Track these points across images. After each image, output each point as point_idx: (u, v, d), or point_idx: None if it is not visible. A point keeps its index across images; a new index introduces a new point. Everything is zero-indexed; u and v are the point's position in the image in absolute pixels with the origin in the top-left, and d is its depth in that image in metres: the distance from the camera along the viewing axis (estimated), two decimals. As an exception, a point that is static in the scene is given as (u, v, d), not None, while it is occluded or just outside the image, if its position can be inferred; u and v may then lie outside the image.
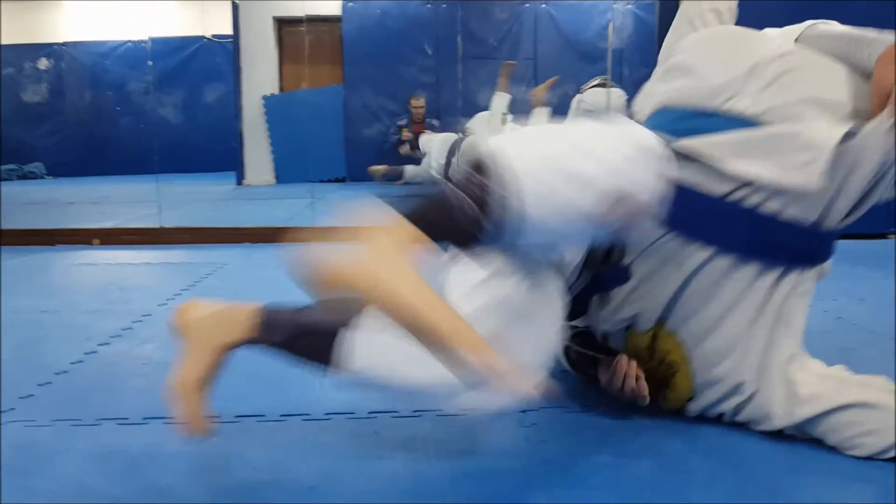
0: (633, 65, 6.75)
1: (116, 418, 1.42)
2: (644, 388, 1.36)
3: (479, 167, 0.97)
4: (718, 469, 1.22)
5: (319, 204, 4.69)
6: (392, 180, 6.35)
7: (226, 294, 2.65)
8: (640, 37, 7.00)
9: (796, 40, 1.32)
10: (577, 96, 5.72)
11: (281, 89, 8.19)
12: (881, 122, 1.13)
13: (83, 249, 3.79)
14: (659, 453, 1.28)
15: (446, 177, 1.00)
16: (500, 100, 5.78)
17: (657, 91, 1.36)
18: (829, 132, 1.14)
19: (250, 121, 7.93)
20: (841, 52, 1.24)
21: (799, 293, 1.30)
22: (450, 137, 5.97)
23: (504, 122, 5.86)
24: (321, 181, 7.67)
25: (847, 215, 1.23)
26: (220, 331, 1.17)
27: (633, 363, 1.36)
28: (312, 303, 1.17)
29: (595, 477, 1.19)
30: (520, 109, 6.35)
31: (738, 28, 1.40)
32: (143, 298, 2.56)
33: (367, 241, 0.95)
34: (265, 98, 7.98)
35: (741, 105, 1.23)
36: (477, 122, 5.91)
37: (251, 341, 1.17)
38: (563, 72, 7.36)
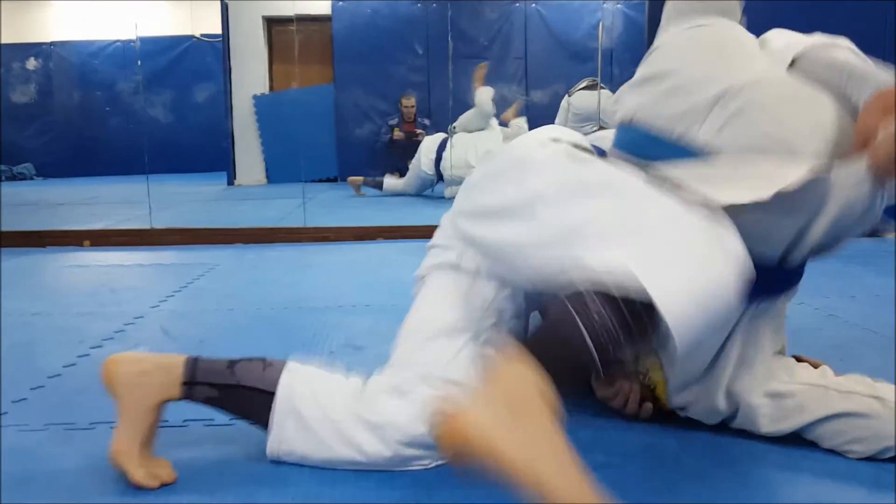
0: (624, 64, 6.77)
1: (110, 422, 1.41)
2: (647, 410, 1.38)
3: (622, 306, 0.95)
4: (712, 468, 1.23)
5: (311, 204, 4.69)
6: (375, 187, 6.35)
7: (218, 296, 2.66)
8: (629, 36, 7.02)
9: (793, 61, 1.22)
10: (566, 98, 5.74)
11: (271, 89, 8.18)
12: (855, 167, 1.09)
13: (74, 251, 3.78)
14: (652, 452, 1.29)
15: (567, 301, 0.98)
16: (485, 94, 5.81)
17: (629, 102, 1.31)
18: (787, 174, 1.08)
19: (241, 120, 7.92)
20: (833, 83, 1.17)
21: (769, 316, 1.31)
22: (438, 137, 6.01)
23: (491, 111, 5.87)
24: (313, 181, 7.68)
25: (817, 251, 1.23)
26: (151, 391, 1.19)
27: (636, 388, 1.38)
28: (241, 359, 1.24)
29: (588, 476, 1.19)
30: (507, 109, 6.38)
31: (730, 35, 1.30)
32: (134, 300, 2.56)
33: (506, 403, 0.90)
34: (255, 98, 7.96)
35: (702, 137, 1.18)
36: (464, 121, 5.91)
37: (183, 398, 1.21)
38: (554, 71, 7.39)
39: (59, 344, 2.00)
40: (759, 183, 1.07)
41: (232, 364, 1.22)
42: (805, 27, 1.33)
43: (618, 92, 1.35)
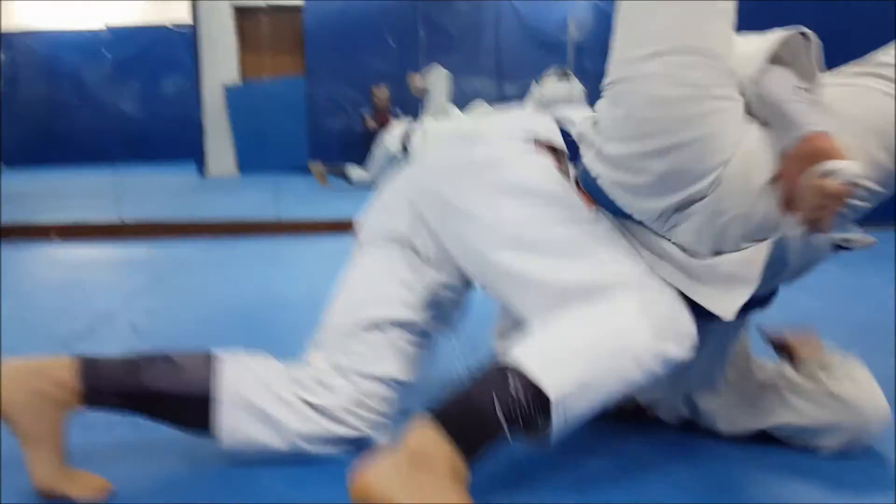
0: (594, 56, 6.80)
1: (80, 424, 1.40)
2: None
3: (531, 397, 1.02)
4: (675, 466, 1.26)
5: (283, 195, 4.66)
6: (338, 175, 6.37)
7: (189, 292, 2.64)
8: (601, 28, 7.05)
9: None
10: (536, 88, 5.76)
11: (242, 78, 8.11)
12: (791, 231, 1.06)
13: (42, 245, 3.73)
14: (618, 451, 1.31)
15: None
16: (439, 77, 5.88)
17: (595, 165, 1.16)
18: (747, 269, 1.09)
19: (212, 111, 7.85)
20: (769, 120, 1.08)
21: (736, 332, 1.34)
22: (407, 122, 6.10)
23: (445, 72, 5.92)
24: (285, 171, 7.63)
25: (783, 283, 1.25)
26: (49, 411, 1.12)
27: None
28: (142, 359, 1.19)
29: (555, 475, 1.22)
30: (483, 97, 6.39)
31: (708, 99, 1.07)
32: (104, 297, 2.54)
33: (418, 476, 0.97)
34: (227, 88, 7.89)
35: (659, 229, 1.15)
36: (432, 105, 5.95)
37: (86, 407, 1.16)
38: (526, 63, 7.40)
39: (26, 343, 1.98)
40: (721, 290, 1.12)
41: (134, 368, 1.17)
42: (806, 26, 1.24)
43: (581, 130, 1.22)
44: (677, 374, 1.30)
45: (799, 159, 1.01)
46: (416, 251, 1.29)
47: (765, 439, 1.32)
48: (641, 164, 1.09)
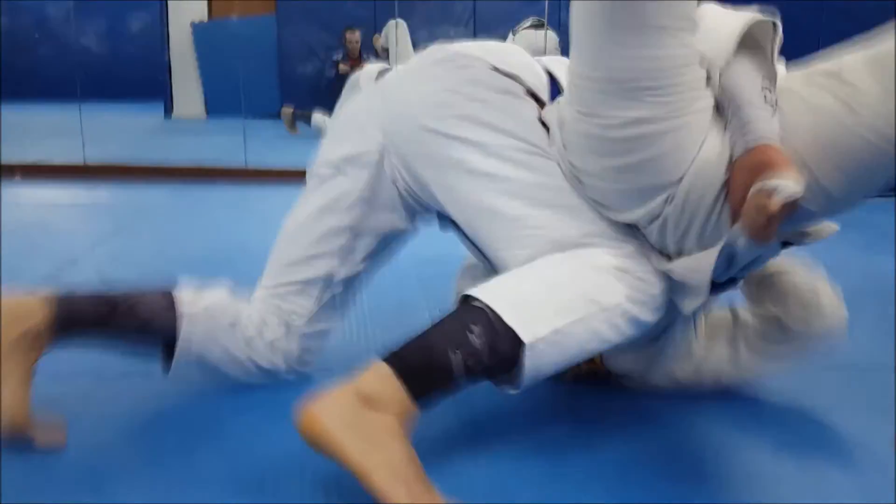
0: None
1: (47, 372, 1.39)
2: (581, 369, 1.41)
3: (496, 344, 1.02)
4: (634, 428, 1.28)
5: (252, 141, 4.59)
6: (305, 121, 6.31)
7: (155, 238, 2.61)
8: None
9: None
10: (511, 37, 5.70)
11: (210, 16, 7.89)
12: (738, 239, 1.06)
13: (5, 184, 3.64)
14: (577, 414, 1.34)
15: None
16: (397, 30, 5.87)
17: (578, 160, 1.14)
18: (696, 277, 1.10)
19: (179, 49, 7.64)
20: (728, 116, 1.05)
21: (705, 309, 1.37)
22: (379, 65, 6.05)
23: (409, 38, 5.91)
24: (254, 116, 7.48)
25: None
26: (20, 353, 1.12)
27: None
28: (111, 304, 1.22)
29: (515, 438, 1.24)
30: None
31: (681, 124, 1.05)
32: (68, 242, 2.51)
33: (368, 417, 0.97)
34: (194, 26, 7.68)
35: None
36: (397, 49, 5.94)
37: (59, 342, 1.18)
38: (502, 13, 7.30)
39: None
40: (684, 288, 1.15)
41: (104, 316, 1.20)
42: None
43: (551, 124, 1.19)
44: (653, 353, 1.34)
45: (746, 171, 1.00)
46: (382, 177, 1.29)
47: (713, 400, 1.36)
48: (605, 182, 1.11)
